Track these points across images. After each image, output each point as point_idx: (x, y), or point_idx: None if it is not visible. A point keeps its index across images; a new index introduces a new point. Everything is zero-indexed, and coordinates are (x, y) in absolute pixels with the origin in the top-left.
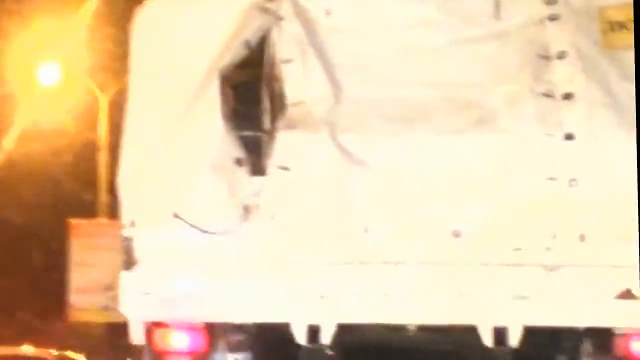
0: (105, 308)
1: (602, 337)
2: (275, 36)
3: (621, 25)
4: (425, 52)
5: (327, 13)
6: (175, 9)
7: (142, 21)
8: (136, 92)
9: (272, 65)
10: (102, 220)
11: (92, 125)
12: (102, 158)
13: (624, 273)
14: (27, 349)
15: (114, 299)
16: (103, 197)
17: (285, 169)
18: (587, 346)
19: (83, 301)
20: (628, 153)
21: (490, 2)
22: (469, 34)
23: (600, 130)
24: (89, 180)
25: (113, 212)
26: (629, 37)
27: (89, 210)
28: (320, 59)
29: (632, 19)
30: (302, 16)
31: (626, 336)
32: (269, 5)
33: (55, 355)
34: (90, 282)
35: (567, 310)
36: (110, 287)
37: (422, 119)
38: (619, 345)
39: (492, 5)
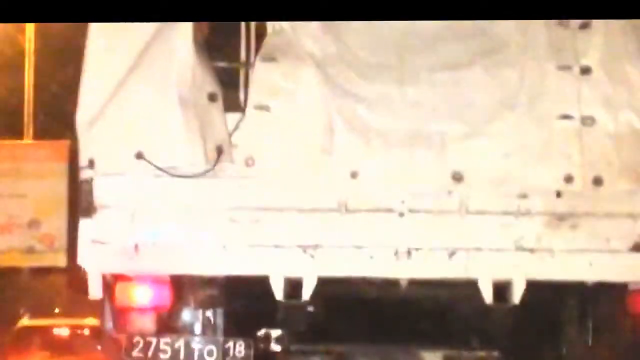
0: (30, 250)
1: (615, 293)
2: None
3: None
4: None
5: None
6: None
7: None
8: (96, 23)
9: None
10: (27, 141)
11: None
12: (29, 72)
13: None
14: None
15: (42, 238)
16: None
17: (265, 107)
18: (598, 304)
19: (2, 242)
20: None
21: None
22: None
23: (619, 63)
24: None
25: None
26: None
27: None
28: None
29: None
30: None
31: (636, 290)
32: None
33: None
34: (11, 219)
35: (577, 263)
36: (36, 224)
37: (419, 48)
38: (633, 301)
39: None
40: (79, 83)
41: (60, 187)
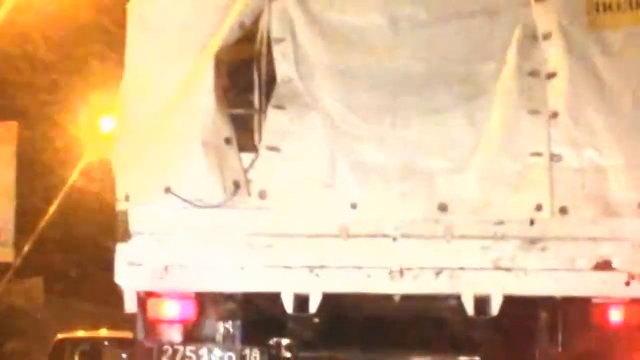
0: None
1: (580, 307)
2: (267, 16)
3: (607, 6)
4: (414, 27)
5: None
6: None
7: (137, 5)
8: (131, 72)
9: (264, 44)
10: None
11: None
12: None
13: (602, 245)
14: None
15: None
16: None
17: (276, 148)
18: (565, 315)
19: None
20: (608, 128)
21: None
22: (459, 10)
23: (582, 108)
24: None
25: None
26: (616, 17)
27: None
28: (311, 35)
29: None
30: None
31: (604, 305)
32: None
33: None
34: None
35: (547, 280)
36: None
37: (411, 93)
38: (596, 313)
39: None
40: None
41: (8, 173)
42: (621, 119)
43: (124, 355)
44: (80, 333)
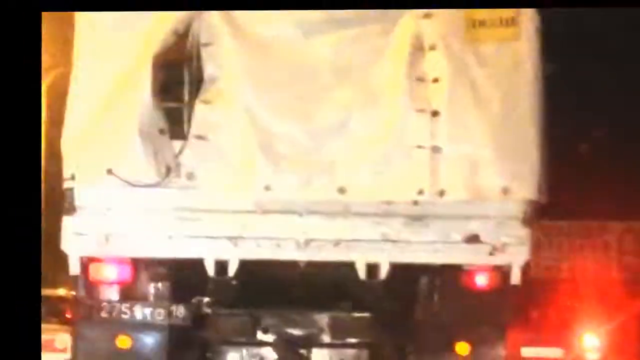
0: None
1: (453, 272)
2: (197, 24)
3: (482, 23)
4: (321, 34)
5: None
6: None
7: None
8: (79, 68)
9: (194, 48)
10: None
11: None
12: None
13: (472, 222)
14: None
15: None
16: None
17: (203, 137)
18: (441, 279)
19: None
20: (481, 126)
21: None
22: (360, 22)
23: (459, 109)
24: None
25: None
26: (489, 32)
27: None
28: (234, 43)
29: (491, 18)
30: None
31: (472, 271)
32: None
33: None
34: None
35: (427, 251)
36: None
37: (317, 93)
38: (465, 279)
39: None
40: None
41: None
42: (491, 118)
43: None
44: None
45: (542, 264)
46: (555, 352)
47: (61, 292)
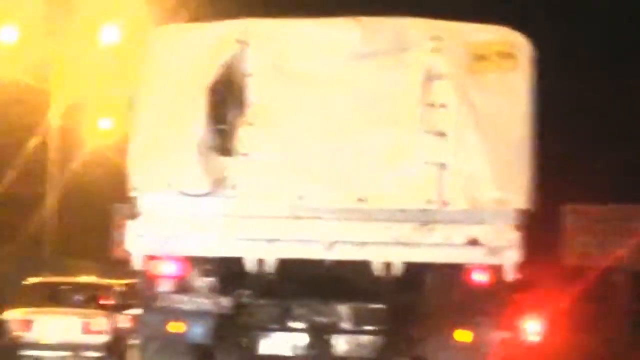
0: None
1: (456, 270)
2: (242, 57)
3: (484, 56)
4: (343, 68)
5: (279, 40)
6: (180, 35)
7: (155, 39)
8: (143, 95)
9: (240, 78)
10: None
11: None
12: None
13: (472, 228)
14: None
15: None
16: None
17: (246, 154)
18: (445, 276)
19: None
20: (480, 146)
21: (394, 38)
22: (377, 55)
23: (463, 131)
24: None
25: None
26: (489, 65)
27: None
28: (272, 74)
29: (491, 52)
30: (262, 43)
31: (471, 269)
32: (239, 36)
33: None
34: None
35: (433, 252)
36: None
37: (342, 118)
38: (466, 275)
39: (395, 40)
40: None
41: None
42: (490, 138)
43: (77, 296)
44: (48, 278)
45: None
46: None
47: (96, 280)
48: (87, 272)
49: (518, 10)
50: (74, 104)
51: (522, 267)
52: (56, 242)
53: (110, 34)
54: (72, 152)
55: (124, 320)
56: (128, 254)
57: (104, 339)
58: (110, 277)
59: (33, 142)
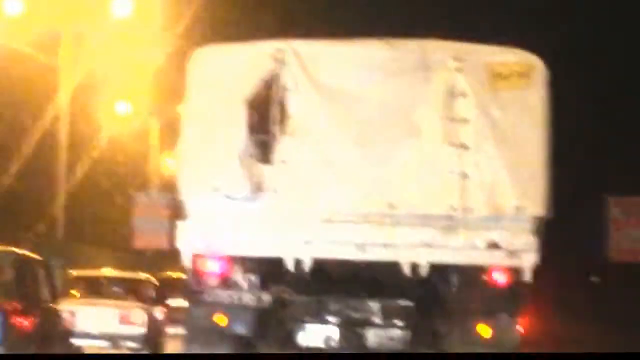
0: None
1: (478, 271)
2: (281, 74)
3: (501, 75)
4: (374, 84)
5: (315, 58)
6: (220, 54)
7: (197, 58)
8: (190, 109)
9: (279, 93)
10: None
11: None
12: None
13: (492, 232)
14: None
15: None
16: None
17: (284, 161)
18: (468, 277)
19: None
20: (499, 157)
21: (420, 57)
22: (404, 74)
23: (483, 143)
24: None
25: None
26: (506, 83)
27: None
28: (309, 89)
29: (509, 72)
30: (299, 61)
31: (492, 271)
32: (277, 55)
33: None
34: None
35: (457, 254)
36: None
37: (372, 130)
38: (487, 276)
39: (421, 59)
40: None
41: None
42: (508, 150)
43: (115, 289)
44: (89, 272)
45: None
46: None
47: (135, 274)
48: (102, 262)
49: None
50: (86, 83)
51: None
52: (68, 231)
53: (122, 6)
54: (85, 137)
55: (160, 312)
56: (153, 245)
57: (141, 330)
58: (128, 269)
59: (41, 126)
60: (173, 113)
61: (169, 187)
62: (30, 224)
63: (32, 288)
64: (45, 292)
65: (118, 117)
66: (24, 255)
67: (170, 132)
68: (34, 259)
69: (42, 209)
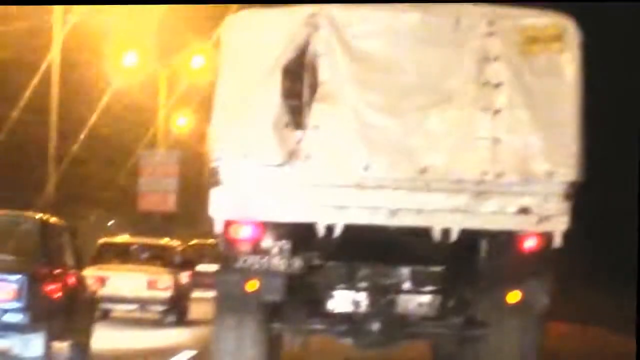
0: None
1: (509, 237)
2: (314, 39)
3: (535, 39)
4: (408, 51)
5: (348, 23)
6: (254, 20)
7: (231, 24)
8: (224, 75)
9: (312, 58)
10: None
11: None
12: None
13: (524, 198)
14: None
15: None
16: None
17: (317, 127)
18: (499, 242)
19: None
20: (532, 122)
21: (451, 22)
22: (439, 42)
23: (516, 108)
24: None
25: None
26: (540, 47)
27: None
28: (342, 54)
29: (542, 35)
30: (332, 26)
31: (523, 236)
32: (310, 19)
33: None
34: None
35: (488, 219)
36: None
37: (405, 96)
38: (517, 241)
39: (453, 23)
40: None
41: None
42: (540, 114)
43: (144, 255)
44: (118, 238)
45: None
46: None
47: (165, 241)
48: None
49: None
50: (80, 21)
51: None
52: (63, 190)
53: None
54: (81, 88)
55: (185, 277)
56: (159, 208)
57: (167, 294)
58: (132, 233)
59: (36, 75)
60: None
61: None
62: (26, 187)
63: (56, 253)
64: (70, 258)
65: (123, 69)
66: (48, 219)
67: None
68: (59, 224)
69: (37, 170)
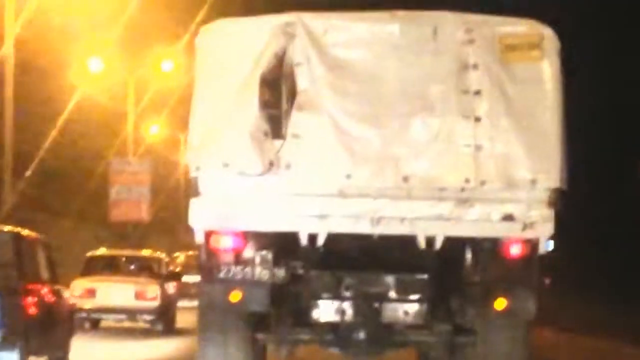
0: None
1: (493, 243)
2: (291, 48)
3: (513, 46)
4: (389, 60)
5: (325, 32)
6: (229, 30)
7: (207, 34)
8: (200, 85)
9: (289, 67)
10: None
11: None
12: None
13: (507, 205)
14: None
15: None
16: None
17: (297, 136)
18: (483, 249)
19: None
20: (513, 130)
21: (430, 30)
22: (417, 50)
23: (496, 115)
24: None
25: None
26: (518, 54)
27: None
28: (319, 62)
29: (520, 43)
30: (308, 34)
31: (507, 243)
32: (287, 28)
33: None
34: None
35: (472, 227)
36: None
37: (386, 105)
38: (502, 248)
39: (431, 32)
40: None
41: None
42: (521, 122)
43: (132, 267)
44: (105, 251)
45: None
46: None
47: (151, 253)
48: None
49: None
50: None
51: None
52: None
53: None
54: (38, 89)
55: (172, 287)
56: (130, 217)
57: (155, 304)
58: (104, 244)
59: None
60: (148, 70)
61: (148, 152)
62: None
63: (30, 267)
64: (45, 271)
65: (91, 75)
66: (21, 233)
67: (147, 92)
68: (32, 237)
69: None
